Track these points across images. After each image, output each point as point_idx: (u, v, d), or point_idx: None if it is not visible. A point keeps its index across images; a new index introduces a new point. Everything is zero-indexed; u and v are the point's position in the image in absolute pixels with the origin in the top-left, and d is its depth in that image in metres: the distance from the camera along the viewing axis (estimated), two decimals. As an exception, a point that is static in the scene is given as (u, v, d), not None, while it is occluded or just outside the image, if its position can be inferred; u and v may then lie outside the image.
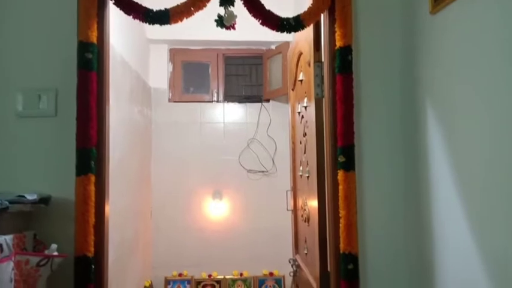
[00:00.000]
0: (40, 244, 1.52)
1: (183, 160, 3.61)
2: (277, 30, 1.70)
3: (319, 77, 1.85)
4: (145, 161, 3.35)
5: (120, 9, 1.65)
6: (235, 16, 1.68)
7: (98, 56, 1.64)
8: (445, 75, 1.49)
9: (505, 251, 1.17)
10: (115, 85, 2.30)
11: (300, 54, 2.21)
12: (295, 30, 1.72)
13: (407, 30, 1.76)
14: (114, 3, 1.65)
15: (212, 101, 3.76)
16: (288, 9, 2.18)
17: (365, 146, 1.76)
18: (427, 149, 1.60)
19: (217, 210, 3.61)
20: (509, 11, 1.16)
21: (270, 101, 3.72)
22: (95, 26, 1.63)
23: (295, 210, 2.52)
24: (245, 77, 3.84)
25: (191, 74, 3.81)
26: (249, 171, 3.64)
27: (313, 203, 1.90)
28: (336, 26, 1.70)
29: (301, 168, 2.28)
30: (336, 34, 1.70)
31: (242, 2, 1.66)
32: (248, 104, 3.73)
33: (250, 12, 1.68)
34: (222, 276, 3.50)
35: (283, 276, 3.47)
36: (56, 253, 1.46)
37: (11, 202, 1.37)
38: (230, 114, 3.72)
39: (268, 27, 1.71)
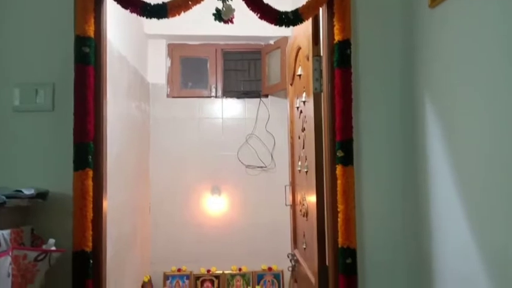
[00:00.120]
0: (38, 239, 1.51)
1: (181, 156, 3.60)
2: (275, 24, 1.70)
3: (317, 71, 1.84)
4: (143, 156, 3.35)
5: (118, 3, 1.64)
6: (233, 10, 1.67)
7: (95, 51, 1.63)
8: (444, 70, 1.49)
9: (504, 246, 1.17)
10: (112, 80, 2.29)
11: (299, 48, 2.21)
12: (294, 24, 1.71)
13: (407, 24, 1.76)
14: (111, -3, 1.63)
15: (210, 97, 3.75)
16: (286, 3, 2.17)
17: (363, 141, 1.75)
18: (426, 143, 1.60)
19: (215, 205, 3.61)
20: (508, 4, 1.15)
21: (269, 97, 3.71)
22: (92, 20, 1.62)
23: (293, 205, 2.52)
24: (244, 72, 3.83)
25: (189, 69, 3.79)
26: (247, 166, 3.64)
27: (312, 198, 1.90)
28: (334, 19, 1.70)
29: (299, 163, 2.28)
30: (335, 28, 1.69)
31: (240, -5, 1.65)
32: (247, 100, 3.72)
33: (248, 6, 1.67)
34: (221, 272, 3.50)
35: (282, 271, 3.48)
36: (53, 248, 1.46)
37: (8, 197, 1.36)
38: (228, 110, 3.71)
39: (267, 21, 1.70)
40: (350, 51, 1.68)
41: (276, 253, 3.33)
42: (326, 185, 1.77)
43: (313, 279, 1.89)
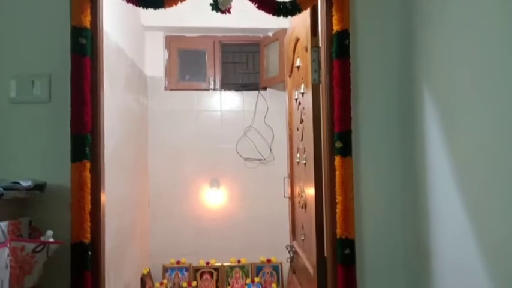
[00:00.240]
0: (36, 231, 1.51)
1: (180, 148, 3.60)
2: (273, 14, 1.68)
3: (316, 62, 1.83)
4: (141, 149, 3.34)
5: (114, -8, 1.62)
6: (231, 0, 1.65)
7: (92, 41, 1.62)
8: (443, 60, 1.48)
9: (502, 238, 1.17)
10: (110, 72, 2.28)
11: (297, 40, 2.19)
12: (292, 14, 1.70)
13: (406, 13, 1.74)
14: (107, -13, 1.62)
15: (209, 89, 3.73)
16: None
17: (362, 132, 1.75)
18: (425, 134, 1.59)
19: (214, 198, 3.61)
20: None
21: (267, 89, 3.70)
22: (88, 10, 1.61)
23: (292, 197, 2.52)
24: (242, 65, 3.81)
25: (187, 62, 3.77)
26: (246, 159, 3.63)
27: (310, 189, 1.89)
28: (333, 10, 1.68)
29: (298, 155, 2.28)
30: (333, 18, 1.68)
31: (238, -15, 1.64)
32: (245, 92, 3.71)
33: (246, -5, 1.65)
34: (220, 264, 3.52)
35: (281, 263, 3.49)
36: (51, 239, 1.46)
37: (5, 189, 1.36)
38: (227, 102, 3.69)
39: (265, 11, 1.68)
40: (348, 42, 1.67)
41: (274, 245, 3.34)
42: (324, 176, 1.77)
43: (311, 270, 1.90)
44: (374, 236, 1.74)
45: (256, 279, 3.48)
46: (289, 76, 2.52)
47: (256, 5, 1.67)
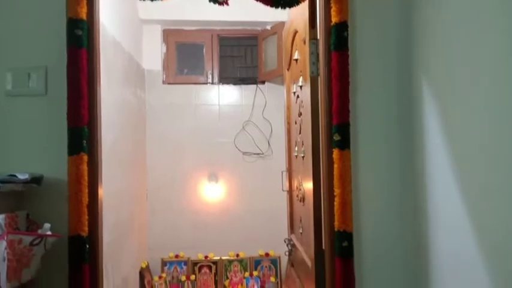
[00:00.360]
0: (33, 224, 1.51)
1: (178, 143, 3.59)
2: (271, 6, 1.67)
3: (314, 54, 1.82)
4: (140, 143, 3.33)
5: (110, -16, 1.61)
6: (229, -9, 1.64)
7: (88, 33, 1.60)
8: (441, 52, 1.47)
9: (501, 232, 1.17)
10: (107, 65, 2.26)
11: (295, 32, 2.18)
12: (290, 6, 1.69)
13: (404, 6, 1.73)
14: (103, -22, 1.60)
15: (207, 83, 3.72)
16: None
17: (360, 124, 1.74)
18: (424, 127, 1.59)
19: (212, 192, 3.61)
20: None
21: (266, 83, 3.68)
22: (85, 2, 1.60)
23: (290, 191, 2.52)
24: (240, 59, 3.79)
25: (185, 55, 3.75)
26: (244, 153, 3.63)
27: (309, 183, 1.89)
28: (331, 1, 1.67)
29: (296, 148, 2.27)
30: (332, 10, 1.66)
31: (235, -24, 1.62)
32: (243, 86, 3.69)
33: (243, -13, 1.64)
34: (219, 258, 3.52)
35: (279, 257, 3.50)
36: (49, 232, 1.45)
37: (2, 181, 1.35)
38: (225, 96, 3.68)
39: (263, 3, 1.67)
40: (347, 34, 1.66)
41: (273, 239, 3.35)
42: (323, 169, 1.77)
43: (309, 263, 1.90)
44: (372, 229, 1.74)
45: (255, 273, 3.49)
46: (288, 69, 2.51)
47: (254, -4, 1.66)
